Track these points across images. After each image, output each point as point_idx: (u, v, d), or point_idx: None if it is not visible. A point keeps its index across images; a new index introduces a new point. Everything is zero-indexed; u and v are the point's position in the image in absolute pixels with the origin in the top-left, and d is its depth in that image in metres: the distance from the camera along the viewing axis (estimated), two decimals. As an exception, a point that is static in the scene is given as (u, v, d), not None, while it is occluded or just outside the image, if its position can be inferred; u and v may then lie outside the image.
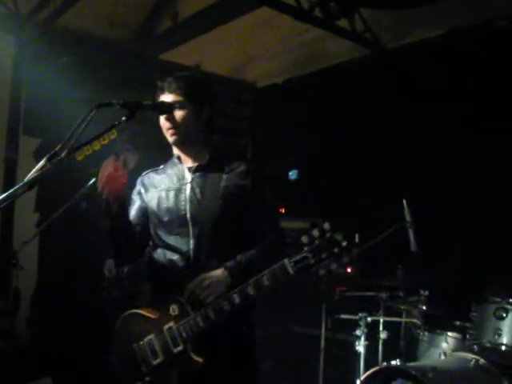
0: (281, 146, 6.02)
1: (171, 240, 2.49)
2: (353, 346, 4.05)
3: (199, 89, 2.55)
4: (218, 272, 2.36)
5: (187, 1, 6.11)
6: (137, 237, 2.58)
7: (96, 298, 4.84)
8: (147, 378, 2.44)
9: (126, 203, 2.52)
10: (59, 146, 2.00)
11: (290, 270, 2.15)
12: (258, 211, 2.53)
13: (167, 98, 2.48)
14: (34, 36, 5.09)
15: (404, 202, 3.82)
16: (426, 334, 3.77)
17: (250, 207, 2.51)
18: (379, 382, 3.32)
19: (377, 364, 3.75)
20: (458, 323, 3.72)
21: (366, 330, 4.02)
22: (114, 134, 2.08)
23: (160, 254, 2.54)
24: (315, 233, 2.12)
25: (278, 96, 6.39)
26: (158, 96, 2.52)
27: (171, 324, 2.38)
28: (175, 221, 2.49)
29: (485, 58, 4.52)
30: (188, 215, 2.46)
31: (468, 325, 3.58)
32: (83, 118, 2.04)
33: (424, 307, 3.79)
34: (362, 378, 3.43)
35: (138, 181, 2.69)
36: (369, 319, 4.03)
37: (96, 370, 4.43)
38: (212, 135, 2.64)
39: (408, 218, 3.82)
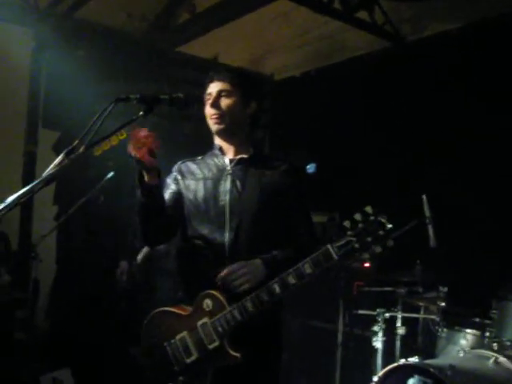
0: (299, 139, 5.98)
1: (205, 230, 2.41)
2: (370, 342, 4.03)
3: (248, 82, 2.54)
4: (255, 261, 2.29)
5: (205, -7, 6.10)
6: (168, 219, 2.46)
7: (111, 290, 4.86)
8: (181, 378, 2.35)
9: (159, 171, 2.36)
10: (77, 141, 1.99)
11: (334, 255, 2.09)
12: (296, 212, 2.48)
13: (215, 86, 2.46)
14: (52, 29, 5.10)
15: (424, 197, 3.77)
16: (445, 330, 3.73)
17: (289, 207, 2.45)
18: (396, 378, 3.29)
19: (394, 360, 3.73)
20: (477, 320, 3.67)
21: (383, 326, 3.99)
22: (123, 135, 2.06)
23: (192, 245, 2.45)
24: (358, 217, 2.07)
25: (295, 89, 6.34)
26: (206, 86, 2.50)
27: (205, 320, 2.29)
28: (212, 211, 2.42)
29: (503, 52, 4.45)
30: (227, 207, 2.40)
31: (487, 322, 3.53)
32: (101, 113, 2.01)
33: (443, 303, 3.75)
34: (380, 374, 3.40)
35: (175, 168, 2.61)
36: (387, 315, 4.00)
37: (115, 361, 4.47)
38: (256, 132, 2.61)
39: (427, 213, 3.77)
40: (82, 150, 1.98)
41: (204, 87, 2.51)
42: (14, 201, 1.86)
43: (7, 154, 4.99)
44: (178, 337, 2.37)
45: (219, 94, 2.45)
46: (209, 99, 2.47)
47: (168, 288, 3.83)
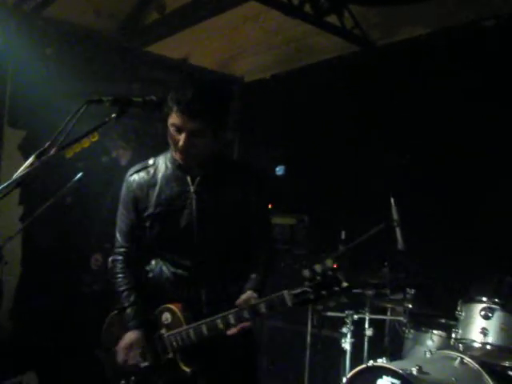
0: (268, 141, 6.00)
1: (175, 253, 2.43)
2: (339, 343, 4.07)
3: (222, 113, 2.35)
4: (252, 295, 2.30)
5: (175, -7, 6.06)
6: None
7: (78, 292, 4.81)
8: (132, 378, 2.44)
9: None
10: (48, 143, 1.96)
11: (289, 303, 2.12)
12: (258, 222, 2.51)
13: (185, 123, 2.25)
14: (19, 27, 5.00)
15: (392, 200, 3.83)
16: (412, 331, 3.81)
17: (251, 218, 2.47)
18: (365, 379, 3.33)
19: (362, 361, 3.77)
20: (443, 321, 3.75)
21: (352, 328, 4.03)
22: (95, 137, 2.03)
23: (159, 266, 2.48)
24: (318, 268, 2.10)
25: (265, 91, 6.36)
26: (173, 112, 2.27)
27: (162, 331, 2.38)
28: (179, 234, 2.40)
29: (471, 58, 4.53)
30: (194, 230, 2.39)
31: (453, 323, 3.60)
32: (72, 115, 1.98)
33: (410, 305, 3.82)
34: (349, 375, 3.44)
35: (129, 182, 2.52)
36: (355, 317, 4.04)
37: (80, 362, 4.41)
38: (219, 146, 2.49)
39: (395, 215, 3.82)
40: (53, 152, 1.95)
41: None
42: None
43: (-29, 152, 4.89)
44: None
45: (190, 134, 2.27)
46: (174, 130, 2.30)
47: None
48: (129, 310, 2.45)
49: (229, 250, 2.44)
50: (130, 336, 2.42)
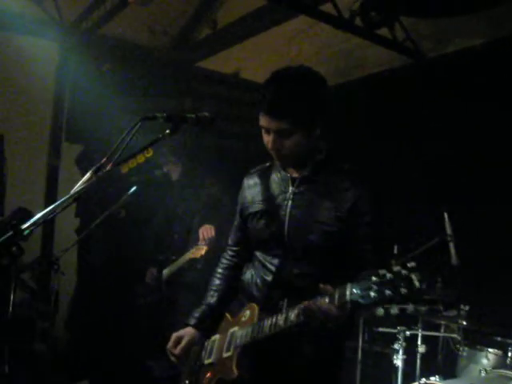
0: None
1: (266, 259, 2.33)
2: (390, 360, 4.00)
3: (310, 112, 2.18)
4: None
5: (226, 9, 6.18)
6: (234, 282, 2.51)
7: (132, 303, 4.89)
8: (186, 382, 2.43)
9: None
10: (104, 159, 2.02)
11: (348, 297, 1.85)
12: (356, 243, 2.24)
13: (271, 123, 2.17)
14: (77, 44, 5.19)
15: (445, 214, 3.76)
16: (466, 349, 3.69)
17: (352, 233, 2.22)
18: (417, 397, 3.27)
19: (414, 379, 3.70)
20: (499, 339, 3.63)
21: (404, 344, 3.95)
22: (149, 153, 2.07)
23: (249, 271, 2.43)
24: (395, 267, 1.78)
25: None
26: (259, 114, 2.20)
27: (236, 328, 2.30)
28: (270, 236, 2.31)
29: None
30: (284, 233, 2.27)
31: (509, 341, 3.49)
32: (128, 131, 2.03)
33: (464, 322, 3.72)
34: (400, 393, 3.38)
35: (242, 185, 2.52)
36: (407, 333, 3.96)
37: (132, 373, 4.49)
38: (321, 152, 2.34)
39: (449, 230, 3.75)
40: (109, 167, 2.00)
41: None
42: (41, 217, 1.88)
43: (31, 166, 5.07)
44: (213, 337, 2.41)
45: (278, 134, 2.18)
46: (264, 131, 2.23)
47: (189, 303, 3.86)
48: (198, 308, 2.49)
49: (318, 260, 2.24)
50: (185, 330, 2.46)
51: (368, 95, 5.55)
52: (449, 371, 3.74)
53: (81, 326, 5.30)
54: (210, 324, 2.46)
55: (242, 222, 2.49)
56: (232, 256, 2.59)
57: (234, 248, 2.59)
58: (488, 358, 3.57)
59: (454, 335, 3.79)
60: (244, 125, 5.74)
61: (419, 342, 3.94)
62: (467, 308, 3.74)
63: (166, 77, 5.75)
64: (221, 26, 6.13)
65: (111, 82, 5.08)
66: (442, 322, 3.95)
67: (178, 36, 6.46)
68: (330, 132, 2.35)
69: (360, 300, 1.81)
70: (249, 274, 2.41)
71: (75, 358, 5.08)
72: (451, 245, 3.69)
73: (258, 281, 2.34)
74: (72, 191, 1.96)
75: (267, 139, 2.22)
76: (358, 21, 4.85)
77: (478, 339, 3.71)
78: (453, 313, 3.86)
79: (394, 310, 1.75)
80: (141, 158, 2.06)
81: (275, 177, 2.39)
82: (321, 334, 2.14)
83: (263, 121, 2.19)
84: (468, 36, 4.94)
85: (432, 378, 3.31)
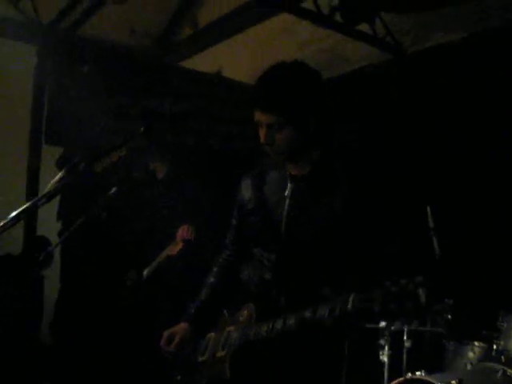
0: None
1: (264, 256, 2.30)
2: (376, 356, 3.99)
3: (301, 105, 2.17)
4: None
5: (207, 8, 6.15)
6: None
7: (115, 305, 4.86)
8: (178, 377, 2.44)
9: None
10: (78, 158, 1.99)
11: (350, 305, 1.81)
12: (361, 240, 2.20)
13: (262, 117, 2.19)
14: (55, 45, 5.13)
15: (428, 208, 3.76)
16: (452, 343, 3.69)
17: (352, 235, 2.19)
18: (404, 392, 3.26)
19: (401, 374, 3.69)
20: (484, 332, 3.64)
21: (389, 339, 3.94)
22: (123, 151, 2.04)
23: (246, 269, 2.41)
24: (402, 280, 1.72)
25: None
26: (253, 110, 2.22)
27: (232, 328, 2.27)
28: (267, 234, 2.30)
29: (506, 62, 4.43)
30: (281, 231, 2.24)
31: (495, 334, 3.49)
32: (101, 129, 2.01)
33: (449, 316, 3.72)
34: (386, 388, 3.37)
35: (240, 183, 2.50)
36: (393, 328, 3.95)
37: (118, 376, 4.46)
38: (320, 146, 2.32)
39: (431, 224, 3.75)
40: (82, 166, 1.99)
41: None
42: (16, 216, 1.87)
43: (11, 170, 5.00)
44: (208, 335, 2.40)
45: (269, 127, 2.18)
46: (259, 126, 2.24)
47: (168, 308, 3.86)
48: (193, 304, 2.50)
49: (316, 257, 2.21)
50: (178, 326, 2.46)
51: (349, 91, 5.54)
52: (435, 365, 3.74)
53: (65, 329, 5.24)
54: (204, 320, 2.46)
55: (240, 221, 2.49)
56: (229, 255, 2.59)
57: (231, 247, 2.59)
58: (474, 351, 3.57)
59: (440, 329, 3.79)
60: (226, 124, 5.71)
61: (405, 337, 3.94)
62: (451, 302, 3.74)
63: (148, 78, 5.70)
64: (202, 25, 6.10)
65: (91, 83, 5.02)
66: (428, 316, 3.94)
67: (159, 36, 6.41)
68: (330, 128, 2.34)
69: (362, 312, 1.79)
70: (246, 272, 2.40)
71: (60, 361, 5.03)
72: (434, 239, 3.69)
73: (256, 278, 2.33)
74: (46, 190, 1.94)
75: (260, 134, 2.23)
76: (338, 16, 4.85)
77: (463, 333, 3.71)
78: (438, 307, 3.86)
79: (397, 326, 1.68)
80: (115, 157, 2.02)
81: (273, 175, 2.38)
82: (319, 336, 2.12)
83: (256, 115, 2.22)
84: (448, 31, 4.95)
85: (418, 373, 3.31)
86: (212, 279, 2.56)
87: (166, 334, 2.47)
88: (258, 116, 2.21)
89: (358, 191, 2.23)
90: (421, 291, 1.68)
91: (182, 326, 2.47)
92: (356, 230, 2.19)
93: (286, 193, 2.28)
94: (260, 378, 2.21)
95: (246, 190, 2.44)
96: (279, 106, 2.15)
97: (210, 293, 2.52)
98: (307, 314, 1.97)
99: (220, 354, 2.25)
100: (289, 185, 2.28)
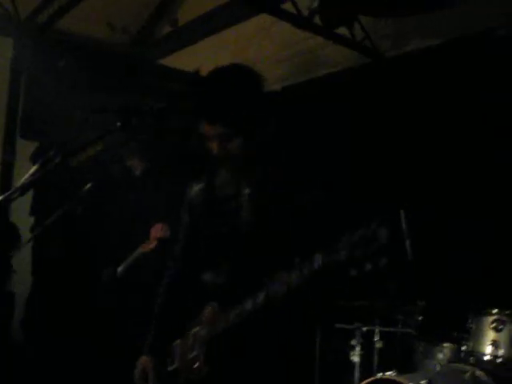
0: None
1: (214, 259, 2.28)
2: (348, 356, 4.02)
3: (241, 109, 2.12)
4: None
5: (187, 6, 6.13)
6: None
7: (90, 302, 4.82)
8: None
9: None
10: (53, 151, 1.98)
11: (316, 263, 1.83)
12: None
13: (210, 128, 2.13)
14: (32, 39, 5.07)
15: (401, 211, 3.79)
16: (422, 344, 3.74)
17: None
18: (374, 392, 3.29)
19: (372, 374, 3.73)
20: (454, 334, 3.69)
21: (361, 340, 3.98)
22: (99, 146, 2.04)
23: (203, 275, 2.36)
24: (361, 228, 1.78)
25: (275, 103, 6.34)
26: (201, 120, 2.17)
27: (197, 328, 2.22)
28: (217, 239, 2.28)
29: (484, 67, 4.50)
30: (235, 239, 2.23)
31: (464, 336, 3.55)
32: (78, 124, 2.00)
33: (420, 317, 3.77)
34: (357, 388, 3.40)
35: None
36: (364, 329, 4.00)
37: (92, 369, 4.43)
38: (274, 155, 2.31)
39: (404, 226, 3.78)
40: (57, 159, 1.97)
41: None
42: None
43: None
44: (174, 343, 2.32)
45: (218, 140, 2.14)
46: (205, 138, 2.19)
47: (139, 307, 3.84)
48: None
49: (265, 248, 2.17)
50: (144, 359, 2.37)
51: (327, 94, 5.58)
52: (406, 366, 3.78)
53: (37, 326, 5.19)
54: (163, 343, 2.37)
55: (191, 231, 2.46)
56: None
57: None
58: (443, 352, 3.62)
59: (411, 330, 3.84)
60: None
61: (376, 338, 3.98)
62: (423, 303, 3.79)
63: (126, 74, 5.67)
64: (182, 23, 6.08)
65: (68, 78, 4.97)
66: (399, 318, 3.99)
67: (138, 33, 6.37)
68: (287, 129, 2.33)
69: (330, 266, 1.81)
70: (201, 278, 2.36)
71: (32, 359, 4.97)
72: (407, 241, 3.72)
73: (211, 283, 2.29)
74: (19, 183, 1.92)
75: (211, 146, 2.18)
76: (317, 19, 4.88)
77: (433, 334, 3.76)
78: (409, 308, 3.91)
79: (367, 267, 1.75)
80: (91, 151, 2.01)
81: (224, 179, 2.33)
82: (289, 314, 2.12)
83: (203, 128, 2.16)
84: (426, 36, 5.00)
85: (389, 373, 3.34)
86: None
87: (137, 373, 2.36)
88: (205, 129, 2.15)
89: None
90: (382, 230, 1.74)
91: (146, 359, 2.36)
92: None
93: (241, 198, 2.25)
94: (239, 366, 2.17)
95: (196, 197, 2.43)
96: (223, 115, 2.09)
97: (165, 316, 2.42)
98: (274, 285, 1.96)
99: (191, 354, 2.21)
100: (246, 190, 2.26)
